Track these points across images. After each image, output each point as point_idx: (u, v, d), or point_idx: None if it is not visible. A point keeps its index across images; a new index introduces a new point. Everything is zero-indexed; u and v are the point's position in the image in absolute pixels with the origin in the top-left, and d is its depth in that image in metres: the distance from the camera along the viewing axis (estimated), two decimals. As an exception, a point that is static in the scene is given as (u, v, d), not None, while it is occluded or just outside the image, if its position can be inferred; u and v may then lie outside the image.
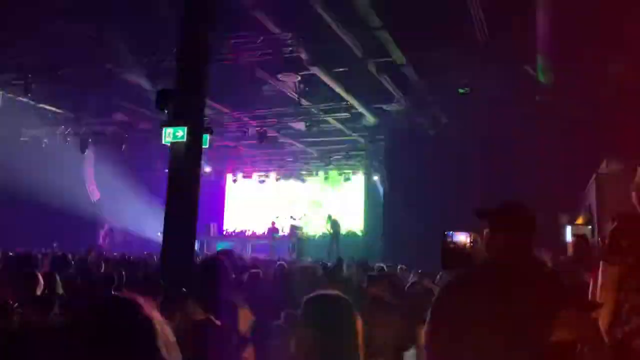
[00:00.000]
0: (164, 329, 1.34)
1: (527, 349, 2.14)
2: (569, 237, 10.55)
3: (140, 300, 1.37)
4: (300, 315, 1.96)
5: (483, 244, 2.32)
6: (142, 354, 1.30)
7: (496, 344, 2.04)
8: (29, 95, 13.49)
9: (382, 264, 9.25)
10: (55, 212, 17.20)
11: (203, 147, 6.50)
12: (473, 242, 2.39)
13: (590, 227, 10.59)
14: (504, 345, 2.06)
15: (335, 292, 2.05)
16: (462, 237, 2.40)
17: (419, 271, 8.41)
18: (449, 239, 2.39)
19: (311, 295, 2.03)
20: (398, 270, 8.95)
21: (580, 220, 11.57)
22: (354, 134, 17.41)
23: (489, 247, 2.27)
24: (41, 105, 14.93)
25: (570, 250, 6.80)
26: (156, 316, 1.35)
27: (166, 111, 6.73)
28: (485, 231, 2.30)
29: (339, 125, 16.31)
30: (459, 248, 2.39)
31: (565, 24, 8.32)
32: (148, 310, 1.35)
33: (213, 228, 20.14)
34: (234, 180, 22.47)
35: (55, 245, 15.00)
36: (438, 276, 7.77)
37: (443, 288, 2.18)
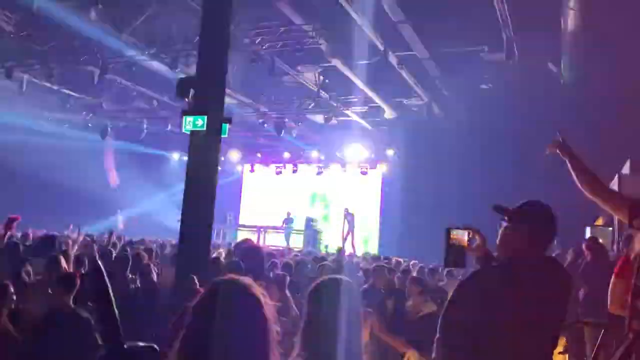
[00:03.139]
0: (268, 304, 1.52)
1: (543, 343, 2.13)
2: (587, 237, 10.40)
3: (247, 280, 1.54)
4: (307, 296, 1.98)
5: (498, 240, 2.30)
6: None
7: (517, 338, 2.03)
8: (52, 79, 13.66)
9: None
10: (74, 195, 17.45)
11: (222, 136, 6.53)
12: (470, 239, 2.36)
13: (610, 228, 10.43)
14: (525, 338, 2.04)
15: (341, 276, 2.06)
16: (465, 234, 2.37)
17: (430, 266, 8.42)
18: (452, 235, 2.37)
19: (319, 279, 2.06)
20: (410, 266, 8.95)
21: (599, 222, 11.39)
22: (372, 127, 17.34)
23: (505, 243, 2.25)
24: (63, 90, 15.10)
25: (587, 254, 6.71)
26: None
27: (186, 100, 6.75)
28: (502, 228, 2.28)
29: (357, 118, 16.26)
30: (461, 245, 2.36)
31: (593, 20, 8.16)
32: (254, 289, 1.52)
33: (230, 217, 20.24)
34: (252, 171, 22.53)
35: (71, 227, 15.18)
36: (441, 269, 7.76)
37: (462, 288, 2.16)
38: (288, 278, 5.50)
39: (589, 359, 5.29)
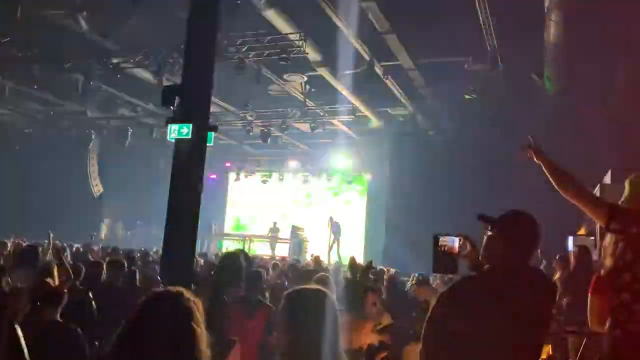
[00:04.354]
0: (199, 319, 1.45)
1: (528, 353, 2.14)
2: (570, 247, 10.49)
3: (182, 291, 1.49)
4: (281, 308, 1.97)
5: (481, 249, 2.31)
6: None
7: (502, 350, 2.04)
8: (35, 86, 13.53)
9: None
10: (56, 203, 17.24)
11: (208, 144, 6.50)
12: (461, 247, 2.38)
13: (592, 238, 10.54)
14: (509, 350, 2.05)
15: (316, 286, 2.06)
16: (453, 241, 2.39)
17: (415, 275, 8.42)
18: (440, 242, 2.38)
19: (291, 289, 2.05)
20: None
21: (582, 231, 11.51)
22: (358, 136, 17.41)
23: (490, 253, 2.26)
24: (46, 97, 14.95)
25: (572, 260, 6.75)
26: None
27: (172, 108, 6.72)
28: (485, 236, 2.29)
29: (343, 127, 16.31)
30: (449, 252, 2.37)
31: (575, 32, 8.29)
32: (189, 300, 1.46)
33: (214, 227, 20.12)
34: (236, 180, 22.45)
35: (51, 235, 14.96)
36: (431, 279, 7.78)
37: (443, 299, 2.16)
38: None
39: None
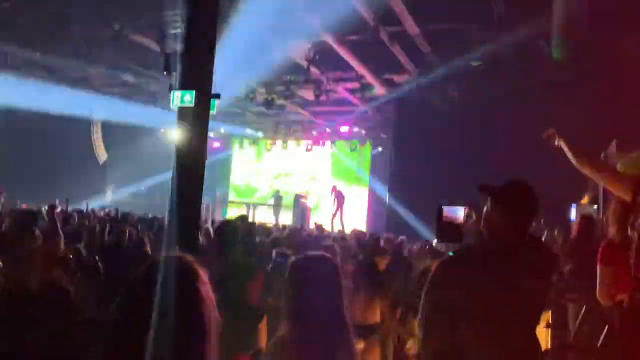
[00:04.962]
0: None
1: (526, 322, 2.17)
2: (573, 216, 10.51)
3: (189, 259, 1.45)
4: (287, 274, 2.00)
5: (482, 219, 2.32)
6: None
7: (500, 319, 2.07)
8: (36, 51, 13.42)
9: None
10: (62, 170, 17.32)
11: (211, 112, 6.45)
12: (467, 216, 2.39)
13: (595, 206, 10.54)
14: (506, 320, 2.08)
15: (321, 253, 2.08)
16: (457, 211, 2.39)
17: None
18: (444, 212, 2.39)
19: (297, 257, 2.07)
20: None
21: (585, 200, 11.51)
22: (362, 105, 17.28)
23: (488, 223, 2.26)
24: (48, 62, 14.85)
25: (574, 230, 6.77)
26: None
27: (174, 75, 6.67)
28: (485, 207, 2.29)
29: (347, 95, 16.18)
30: (453, 221, 2.39)
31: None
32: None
33: (219, 194, 20.22)
34: (240, 147, 22.44)
35: (57, 201, 15.08)
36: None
37: (441, 269, 2.18)
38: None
39: (572, 333, 5.39)
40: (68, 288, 3.50)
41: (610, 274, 3.05)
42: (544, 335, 6.59)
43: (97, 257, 5.12)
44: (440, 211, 2.40)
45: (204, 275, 1.42)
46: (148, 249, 5.97)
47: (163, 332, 1.27)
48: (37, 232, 4.77)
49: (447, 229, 2.39)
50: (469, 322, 2.07)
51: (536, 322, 2.22)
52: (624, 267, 2.60)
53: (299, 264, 2.02)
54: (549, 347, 5.96)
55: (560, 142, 2.80)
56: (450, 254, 2.24)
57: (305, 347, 1.84)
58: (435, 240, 2.54)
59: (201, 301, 1.37)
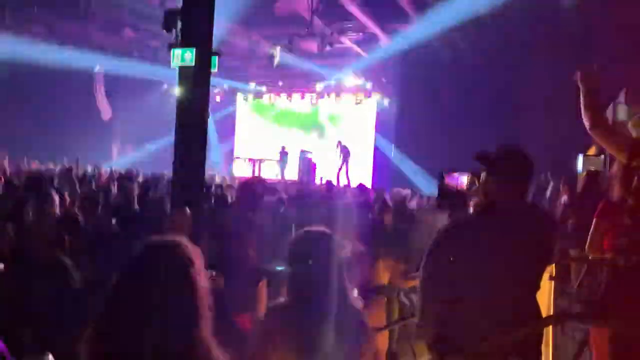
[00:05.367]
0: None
1: (526, 285, 2.19)
2: (580, 167, 10.47)
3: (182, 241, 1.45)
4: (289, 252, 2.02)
5: (480, 187, 2.31)
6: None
7: (499, 285, 2.08)
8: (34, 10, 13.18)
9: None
10: (67, 128, 17.31)
11: (212, 70, 6.37)
12: (470, 184, 2.37)
13: (602, 156, 10.48)
14: (506, 285, 2.10)
15: (321, 228, 2.10)
16: (460, 178, 2.38)
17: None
18: (447, 179, 2.38)
19: (299, 232, 2.10)
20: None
21: (592, 151, 11.43)
22: (367, 57, 16.97)
23: (485, 191, 2.26)
24: (48, 18, 14.61)
25: (579, 185, 6.76)
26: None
27: (174, 32, 6.54)
28: (482, 174, 2.28)
29: (352, 46, 15.88)
30: (455, 188, 2.37)
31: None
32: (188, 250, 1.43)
33: (223, 150, 20.24)
34: (245, 101, 22.25)
35: (65, 160, 15.17)
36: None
37: (441, 237, 2.19)
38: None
39: (574, 284, 5.48)
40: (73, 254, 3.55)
41: (603, 228, 3.09)
42: (547, 287, 6.68)
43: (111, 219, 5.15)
44: (442, 178, 2.38)
45: (198, 261, 1.42)
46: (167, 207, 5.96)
47: (157, 319, 1.29)
48: (54, 195, 4.80)
49: (448, 196, 2.37)
50: (468, 289, 2.09)
51: (536, 287, 2.24)
52: (618, 225, 2.62)
53: (299, 237, 2.04)
54: (552, 298, 6.05)
55: (586, 85, 2.72)
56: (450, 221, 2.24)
57: (303, 319, 1.87)
58: (437, 205, 2.53)
59: (195, 289, 1.37)
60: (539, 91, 11.92)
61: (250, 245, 3.78)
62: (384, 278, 4.66)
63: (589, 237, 3.28)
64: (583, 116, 2.72)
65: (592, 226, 3.37)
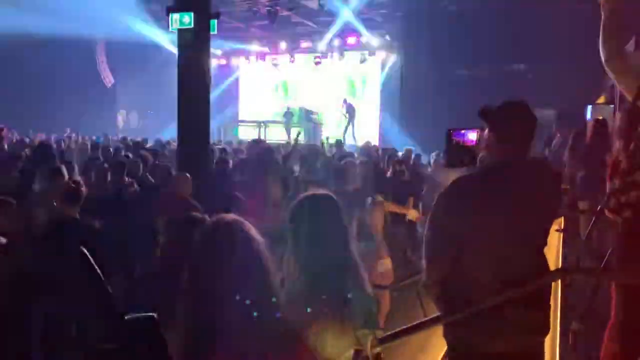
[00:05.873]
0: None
1: (532, 240, 2.18)
2: (589, 115, 10.36)
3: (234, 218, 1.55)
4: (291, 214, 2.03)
5: (483, 142, 2.27)
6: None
7: (504, 242, 2.08)
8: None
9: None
10: (69, 97, 17.22)
11: (211, 33, 6.28)
12: (479, 140, 2.33)
13: (612, 106, 10.34)
14: (511, 242, 2.09)
15: (325, 192, 2.09)
16: (468, 135, 2.34)
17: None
18: (455, 136, 2.34)
19: (303, 195, 2.11)
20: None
21: (602, 99, 11.27)
22: (370, 12, 16.61)
23: (488, 147, 2.22)
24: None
25: (588, 135, 6.67)
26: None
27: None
28: (485, 130, 2.24)
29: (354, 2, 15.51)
30: (464, 145, 2.34)
31: None
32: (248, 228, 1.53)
33: (228, 113, 20.14)
34: (247, 63, 21.96)
35: (68, 130, 15.15)
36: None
37: (446, 192, 2.17)
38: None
39: (582, 236, 5.47)
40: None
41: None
42: (555, 239, 6.71)
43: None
44: (449, 136, 2.34)
45: (255, 234, 1.52)
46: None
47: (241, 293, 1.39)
48: (62, 169, 4.80)
49: (457, 153, 2.34)
50: (473, 247, 2.08)
51: (543, 242, 2.22)
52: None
53: (303, 201, 2.05)
54: (560, 249, 6.08)
55: (608, 4, 2.63)
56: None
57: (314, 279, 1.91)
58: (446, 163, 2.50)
59: (265, 261, 1.49)
60: (546, 42, 11.67)
61: (251, 209, 3.81)
62: None
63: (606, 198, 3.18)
64: (601, 46, 2.62)
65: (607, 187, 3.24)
